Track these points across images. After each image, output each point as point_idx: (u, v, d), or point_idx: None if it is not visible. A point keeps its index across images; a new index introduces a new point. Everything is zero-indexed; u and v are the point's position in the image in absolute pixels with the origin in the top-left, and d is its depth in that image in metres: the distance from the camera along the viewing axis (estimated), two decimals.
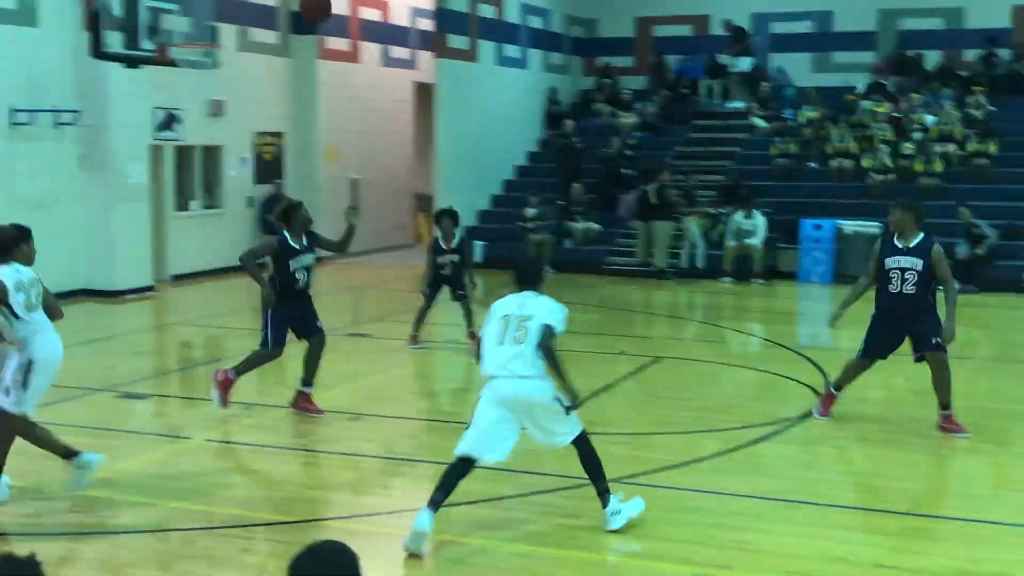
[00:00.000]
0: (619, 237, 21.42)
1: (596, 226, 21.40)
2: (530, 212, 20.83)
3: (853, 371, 9.46)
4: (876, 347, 9.24)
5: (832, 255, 19.43)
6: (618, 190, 21.70)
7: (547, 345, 6.48)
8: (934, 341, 8.89)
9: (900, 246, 9.07)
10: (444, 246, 12.80)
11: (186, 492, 7.52)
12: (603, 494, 6.73)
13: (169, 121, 18.78)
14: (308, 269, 9.38)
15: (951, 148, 20.92)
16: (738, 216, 19.86)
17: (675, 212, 20.20)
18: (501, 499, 7.36)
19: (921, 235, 9.04)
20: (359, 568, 2.79)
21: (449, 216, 12.87)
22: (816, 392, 10.55)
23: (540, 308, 6.68)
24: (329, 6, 12.25)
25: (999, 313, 16.79)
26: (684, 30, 26.01)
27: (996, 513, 7.17)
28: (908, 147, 20.96)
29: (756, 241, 19.56)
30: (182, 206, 19.59)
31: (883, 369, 12.14)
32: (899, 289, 8.96)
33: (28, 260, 7.21)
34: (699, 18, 25.93)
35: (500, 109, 23.44)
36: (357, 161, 22.87)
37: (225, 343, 13.70)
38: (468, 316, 12.83)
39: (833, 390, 9.62)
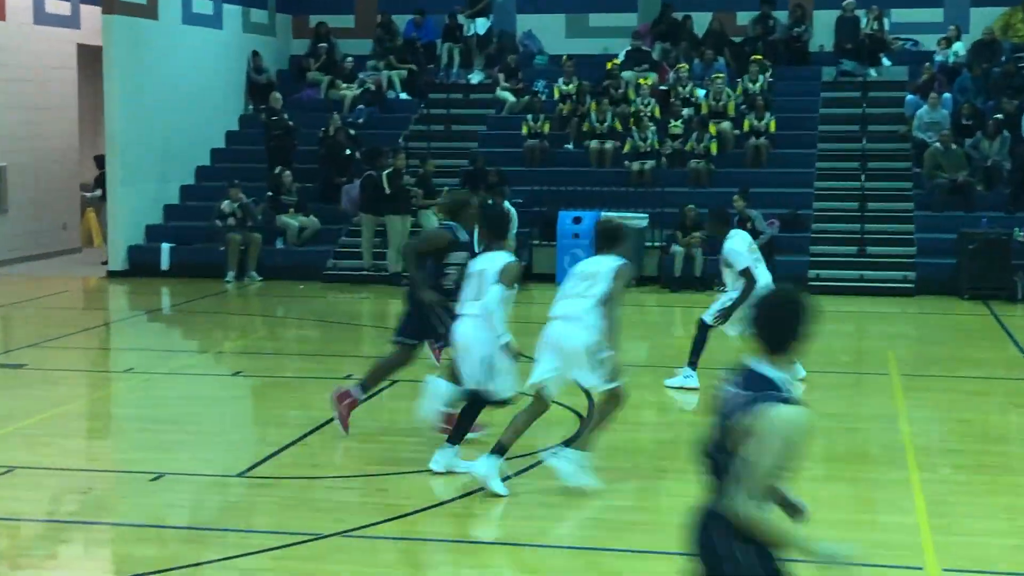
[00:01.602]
0: (343, 235, 21.40)
1: (313, 221, 21.31)
2: (228, 206, 20.52)
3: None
4: None
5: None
6: (339, 177, 21.68)
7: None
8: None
9: None
10: None
11: None
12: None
13: None
14: None
15: (725, 126, 22.04)
16: None
17: (411, 204, 20.37)
18: (198, 565, 7.24)
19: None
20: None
21: None
22: (579, 415, 10.86)
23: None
24: None
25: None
26: None
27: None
28: (676, 126, 21.95)
29: (507, 237, 19.93)
30: None
31: (655, 387, 12.67)
32: None
33: None
34: None
35: (189, 78, 22.94)
36: (2, 144, 21.87)
37: None
38: None
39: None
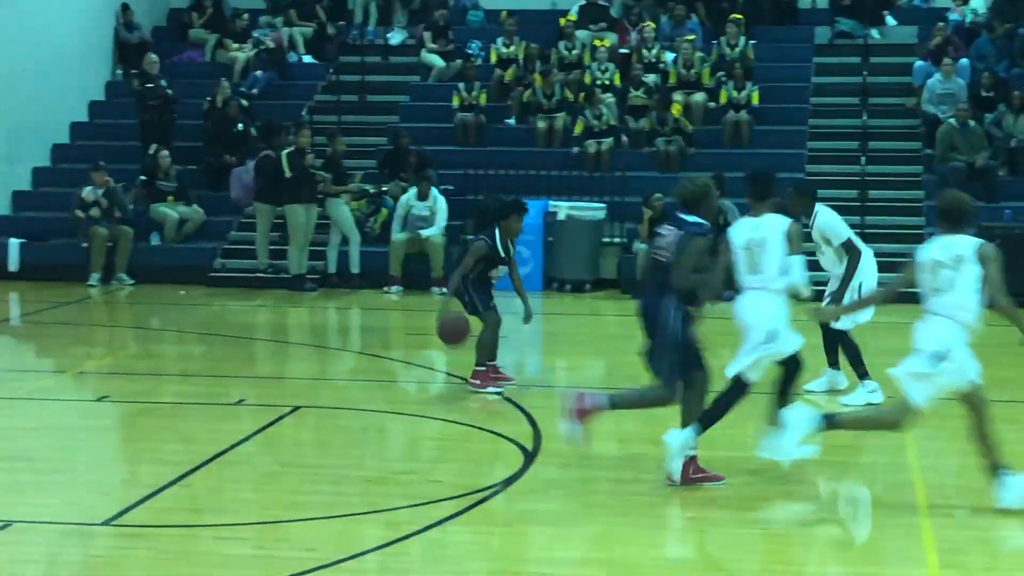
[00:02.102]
0: (233, 229, 21.29)
1: (197, 212, 21.18)
2: (91, 193, 20.34)
3: None
4: None
5: (540, 250, 20.08)
6: (229, 158, 21.56)
7: None
8: None
9: None
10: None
11: None
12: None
13: None
14: None
15: (698, 98, 22.14)
16: (408, 196, 20.19)
17: (317, 191, 20.27)
18: None
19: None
20: None
21: None
22: (523, 448, 10.87)
23: None
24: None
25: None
26: None
27: None
28: (637, 96, 21.99)
29: (435, 232, 19.94)
30: None
31: (612, 413, 12.70)
32: None
33: None
34: None
35: (43, 37, 22.72)
36: None
37: None
38: None
39: None
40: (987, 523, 9.37)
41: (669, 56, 22.74)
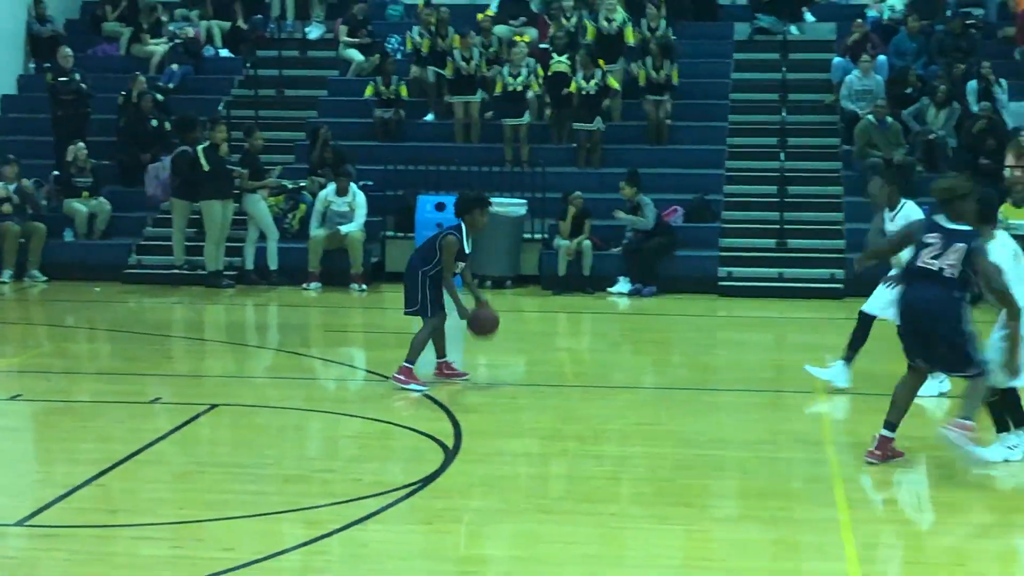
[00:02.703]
0: (148, 226, 21.15)
1: (103, 205, 21.01)
2: (2, 189, 20.19)
3: None
4: None
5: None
6: (144, 154, 21.40)
7: None
8: None
9: None
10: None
11: None
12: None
13: None
14: None
15: (617, 67, 22.11)
16: (327, 192, 20.14)
17: (233, 187, 20.18)
18: None
19: None
20: None
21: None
22: (443, 444, 10.89)
23: None
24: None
25: (686, 322, 18.00)
26: None
27: None
28: (560, 62, 21.85)
29: (354, 228, 19.90)
30: None
31: (530, 409, 12.76)
32: None
33: None
34: None
35: None
36: None
37: None
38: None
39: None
40: (905, 516, 9.49)
41: (589, 21, 22.61)
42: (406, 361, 12.86)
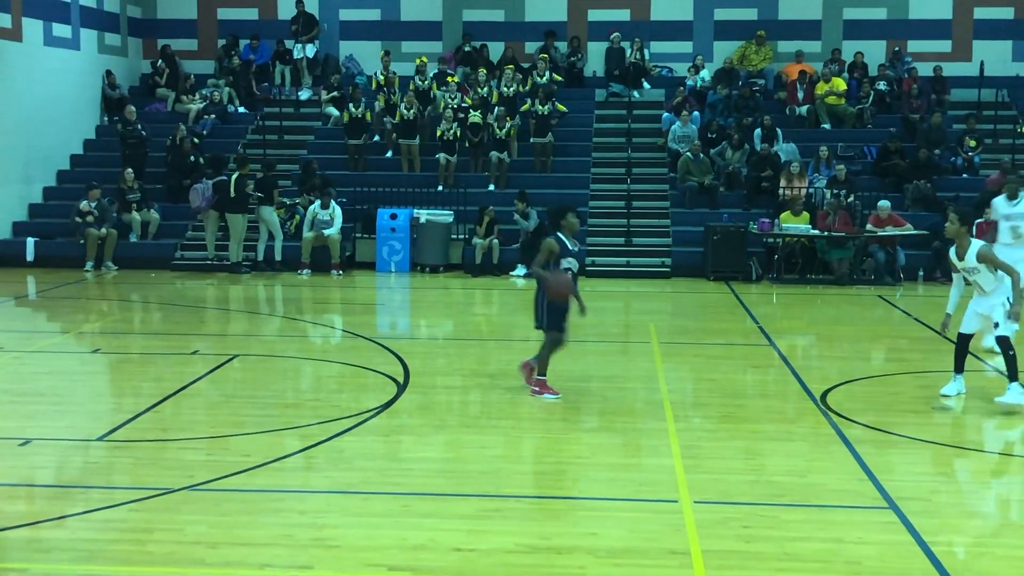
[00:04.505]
0: (189, 230, 20.88)
1: (154, 216, 20.71)
2: (86, 205, 19.83)
3: None
4: None
5: (408, 244, 20.04)
6: (185, 180, 21.10)
7: None
8: None
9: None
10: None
11: None
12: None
13: None
14: None
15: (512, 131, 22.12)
16: (315, 206, 19.98)
17: (250, 203, 19.94)
18: (63, 518, 6.99)
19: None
20: None
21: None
22: (396, 381, 10.89)
23: None
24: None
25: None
26: (251, 13, 25.74)
27: (566, 488, 7.76)
28: (475, 116, 21.80)
29: (333, 231, 19.77)
30: None
31: (458, 356, 12.76)
32: None
33: None
34: (266, 2, 25.77)
35: (50, 93, 22.04)
36: None
37: None
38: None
39: None
40: (714, 427, 9.62)
41: (494, 85, 22.64)
42: (537, 375, 10.53)
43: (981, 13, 24.61)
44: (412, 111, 21.87)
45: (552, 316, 10.42)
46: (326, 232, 19.74)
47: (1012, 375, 9.94)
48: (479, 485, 7.77)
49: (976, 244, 10.10)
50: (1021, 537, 7.10)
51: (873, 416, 9.72)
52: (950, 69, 23.77)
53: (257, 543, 6.60)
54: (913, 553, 6.55)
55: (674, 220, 20.65)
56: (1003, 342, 9.99)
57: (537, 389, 10.47)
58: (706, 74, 24.02)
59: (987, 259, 10.00)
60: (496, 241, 19.67)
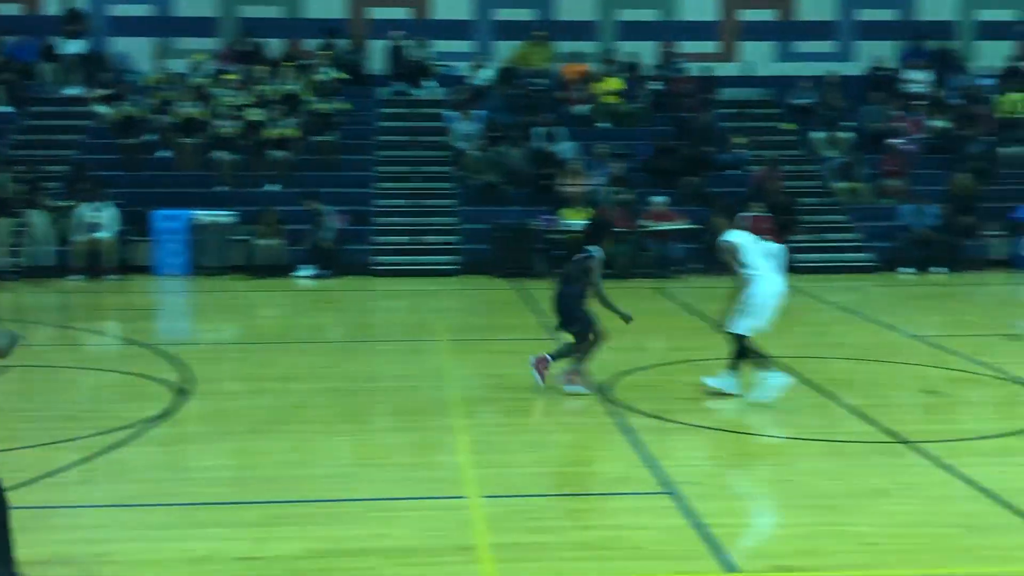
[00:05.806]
0: None
1: None
2: None
3: None
4: None
5: (188, 246, 19.52)
6: None
7: None
8: None
9: None
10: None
11: None
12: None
13: None
14: None
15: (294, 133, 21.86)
16: (85, 208, 19.19)
17: (16, 206, 18.98)
18: None
19: None
20: None
21: None
22: (179, 388, 10.60)
23: None
24: None
25: (352, 296, 18.01)
26: (13, 8, 24.56)
27: (356, 490, 7.74)
28: (257, 113, 21.41)
29: (107, 234, 19.05)
30: None
31: (243, 360, 12.53)
32: None
33: None
34: None
35: None
36: None
37: None
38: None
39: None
40: (502, 422, 9.77)
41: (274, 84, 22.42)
42: (574, 366, 10.57)
43: (746, 15, 25.89)
44: (189, 109, 21.29)
45: (582, 321, 10.58)
46: (99, 236, 19.00)
47: (733, 365, 10.41)
48: (265, 492, 7.67)
49: (728, 237, 10.18)
50: (793, 516, 7.51)
51: (653, 404, 10.09)
52: (718, 69, 24.86)
53: (33, 562, 6.31)
54: (689, 536, 6.84)
55: (462, 218, 20.82)
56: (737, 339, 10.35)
57: (571, 378, 10.52)
58: (488, 72, 24.29)
59: (723, 251, 10.19)
60: (279, 242, 19.38)
